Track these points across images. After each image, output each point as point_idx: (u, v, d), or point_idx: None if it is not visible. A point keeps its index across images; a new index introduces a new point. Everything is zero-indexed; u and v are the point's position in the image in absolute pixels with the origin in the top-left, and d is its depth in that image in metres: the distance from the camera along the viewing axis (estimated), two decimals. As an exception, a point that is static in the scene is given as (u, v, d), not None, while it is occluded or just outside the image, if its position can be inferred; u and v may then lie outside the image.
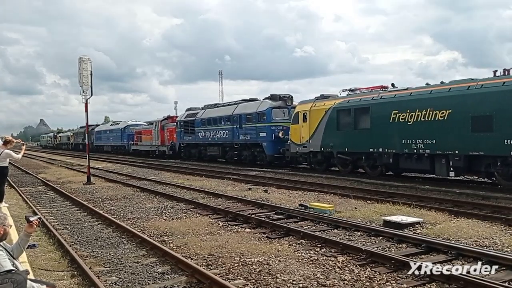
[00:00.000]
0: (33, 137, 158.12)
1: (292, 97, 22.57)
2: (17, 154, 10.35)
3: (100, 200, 12.82)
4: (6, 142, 10.31)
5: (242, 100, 25.70)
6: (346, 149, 16.53)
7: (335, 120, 16.87)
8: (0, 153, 10.05)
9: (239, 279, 5.46)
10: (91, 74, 17.30)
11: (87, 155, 19.24)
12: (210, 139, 26.79)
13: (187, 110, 31.52)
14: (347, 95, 17.34)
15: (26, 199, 12.96)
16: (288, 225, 8.34)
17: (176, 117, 33.86)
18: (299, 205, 10.48)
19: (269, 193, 12.89)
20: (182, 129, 30.09)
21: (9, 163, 10.81)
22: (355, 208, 10.05)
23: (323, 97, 18.52)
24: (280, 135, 21.06)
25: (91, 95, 17.55)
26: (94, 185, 16.58)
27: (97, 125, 55.34)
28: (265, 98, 23.05)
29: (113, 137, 46.74)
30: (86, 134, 20.79)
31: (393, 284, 5.10)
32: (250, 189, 13.96)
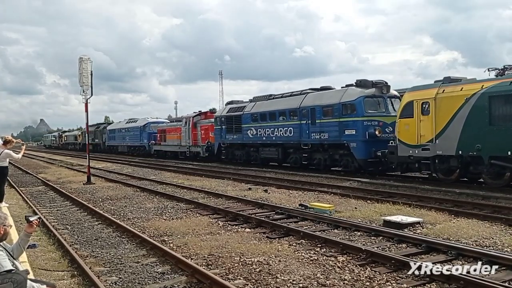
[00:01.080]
0: (33, 137, 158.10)
1: (388, 84, 17.22)
2: (17, 154, 10.36)
3: (100, 200, 12.82)
4: (6, 142, 10.31)
5: (310, 89, 20.34)
6: (510, 153, 11.39)
7: (486, 111, 11.80)
8: (0, 153, 10.05)
9: (239, 279, 5.46)
10: (91, 74, 17.32)
11: (87, 155, 19.23)
12: (264, 138, 21.62)
13: (228, 103, 26.80)
14: (506, 73, 12.13)
15: (26, 199, 12.97)
16: (288, 225, 8.34)
17: (212, 112, 28.82)
18: (299, 205, 10.48)
19: (269, 193, 12.89)
20: (223, 127, 25.01)
21: (9, 163, 10.81)
22: (355, 208, 10.05)
23: (452, 80, 13.21)
24: (377, 133, 16.03)
25: (91, 95, 17.59)
26: (94, 185, 16.59)
27: (108, 123, 50.77)
28: (349, 85, 17.79)
29: (130, 136, 40.97)
30: (87, 134, 20.77)
31: (393, 284, 5.10)
32: (250, 189, 13.96)
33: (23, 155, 10.81)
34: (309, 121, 18.59)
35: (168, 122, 38.56)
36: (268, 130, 21.43)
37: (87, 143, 20.90)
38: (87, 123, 19.18)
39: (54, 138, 78.05)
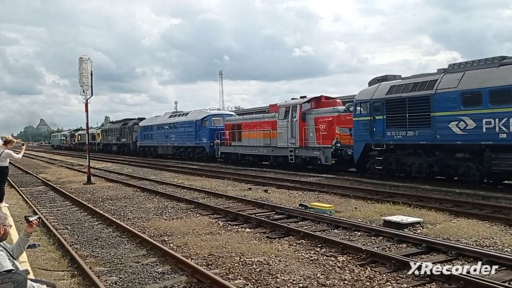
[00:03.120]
0: (33, 137, 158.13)
1: None
2: (17, 154, 10.37)
3: (100, 200, 12.82)
4: (6, 142, 10.33)
5: None
6: None
7: None
8: (1, 153, 10.07)
9: (239, 279, 5.46)
10: (91, 74, 17.34)
11: (87, 155, 19.26)
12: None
13: (380, 79, 15.65)
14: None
15: (26, 199, 12.97)
16: (288, 225, 8.34)
17: (329, 98, 20.15)
18: (299, 205, 10.48)
19: (269, 193, 12.89)
20: (376, 117, 14.86)
21: (10, 163, 10.82)
22: (355, 208, 10.05)
23: None
24: None
25: (91, 95, 17.60)
26: (94, 185, 16.59)
27: (139, 119, 40.32)
28: None
29: (178, 134, 31.30)
30: (87, 135, 20.77)
31: (393, 284, 5.10)
32: (250, 189, 13.96)
33: (23, 155, 10.82)
34: None
35: (232, 115, 29.43)
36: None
37: (87, 143, 20.92)
38: (87, 123, 19.19)
39: (64, 138, 68.38)
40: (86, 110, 17.79)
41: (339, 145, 17.25)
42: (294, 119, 19.63)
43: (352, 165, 17.17)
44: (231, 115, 29.59)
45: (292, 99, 20.98)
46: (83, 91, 17.39)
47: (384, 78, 15.38)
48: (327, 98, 20.16)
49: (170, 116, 33.73)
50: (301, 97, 20.25)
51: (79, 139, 57.24)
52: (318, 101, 19.80)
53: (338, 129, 17.75)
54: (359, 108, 15.77)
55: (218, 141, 25.77)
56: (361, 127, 15.66)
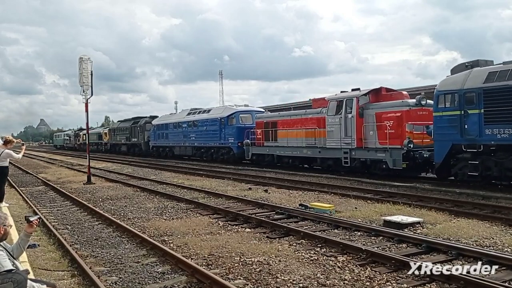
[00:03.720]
0: (33, 137, 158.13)
1: None
2: (17, 154, 10.37)
3: (100, 200, 12.82)
4: (6, 142, 10.34)
5: None
6: None
7: None
8: (1, 153, 10.07)
9: (239, 279, 5.46)
10: (92, 74, 17.34)
11: (87, 155, 19.27)
12: None
13: (460, 68, 12.88)
14: None
15: (26, 199, 12.97)
16: (288, 225, 8.34)
17: (391, 90, 17.04)
18: (299, 205, 10.48)
19: (269, 193, 12.89)
20: (475, 111, 11.84)
21: (10, 163, 10.83)
22: (355, 208, 10.05)
23: None
24: None
25: (92, 95, 17.61)
26: (95, 185, 16.60)
27: (152, 117, 37.65)
28: None
29: (198, 133, 28.22)
30: (87, 134, 20.78)
31: (393, 284, 5.10)
32: (250, 189, 13.96)
33: (23, 155, 10.83)
34: None
35: (260, 111, 25.90)
36: None
37: (87, 143, 20.93)
38: (87, 123, 19.20)
39: (67, 138, 65.37)
40: (86, 110, 17.80)
41: (412, 145, 14.18)
42: (350, 115, 16.43)
43: (426, 169, 14.86)
44: (260, 111, 25.80)
45: (342, 91, 17.75)
46: (83, 91, 17.40)
47: (475, 64, 12.38)
48: (388, 90, 16.97)
49: (189, 114, 30.46)
50: (353, 90, 17.08)
51: (84, 139, 51.28)
52: (377, 94, 16.64)
53: (409, 126, 14.71)
54: (442, 100, 12.70)
55: (248, 141, 22.67)
56: (445, 123, 12.59)
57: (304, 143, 19.19)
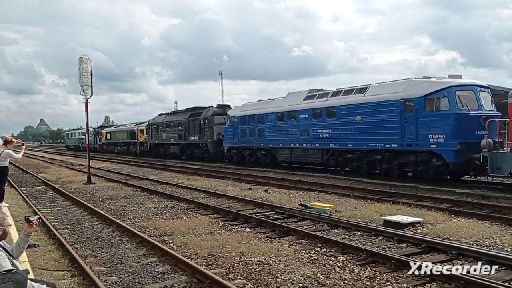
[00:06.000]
0: (33, 137, 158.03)
1: None
2: (17, 154, 10.36)
3: (100, 199, 12.82)
4: (6, 142, 10.32)
5: None
6: None
7: None
8: (1, 153, 10.06)
9: (239, 278, 5.46)
10: (91, 74, 17.34)
11: (87, 155, 19.28)
12: None
13: None
14: None
15: (26, 198, 12.97)
16: (288, 224, 8.34)
17: None
18: (299, 204, 10.48)
19: (269, 193, 12.89)
20: None
21: (10, 162, 10.82)
22: (355, 208, 10.05)
23: None
24: None
25: (91, 94, 17.59)
26: (95, 184, 16.59)
27: (220, 106, 28.71)
28: None
29: (336, 128, 17.46)
30: (87, 135, 20.77)
31: (393, 284, 5.10)
32: (250, 189, 13.96)
33: (23, 155, 10.82)
34: None
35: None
36: None
37: (87, 143, 20.93)
38: (87, 123, 19.17)
39: (84, 137, 49.07)
40: (86, 110, 17.78)
41: None
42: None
43: None
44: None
45: None
46: (83, 91, 17.39)
47: None
48: None
49: (309, 97, 19.50)
50: None
51: (108, 137, 43.38)
52: None
53: None
54: None
55: (490, 140, 12.15)
56: None
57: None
